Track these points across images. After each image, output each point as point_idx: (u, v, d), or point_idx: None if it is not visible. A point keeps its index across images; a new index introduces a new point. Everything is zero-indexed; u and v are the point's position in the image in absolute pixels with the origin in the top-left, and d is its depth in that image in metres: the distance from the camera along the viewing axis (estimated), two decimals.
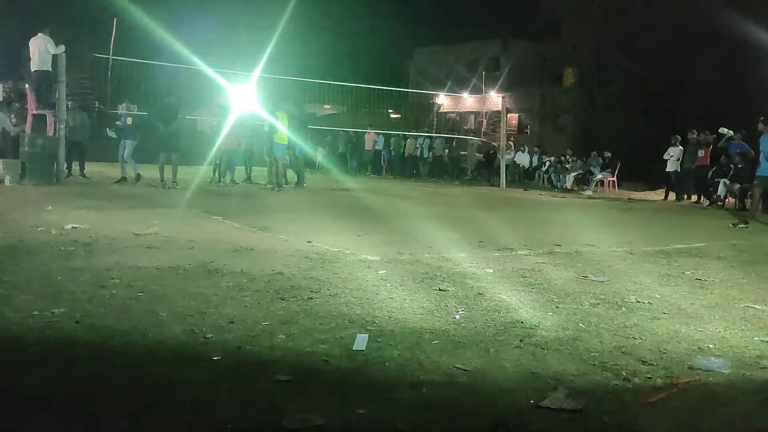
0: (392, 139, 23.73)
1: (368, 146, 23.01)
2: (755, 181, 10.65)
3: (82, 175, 13.46)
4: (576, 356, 3.30)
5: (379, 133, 23.64)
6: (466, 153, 24.52)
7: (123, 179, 12.89)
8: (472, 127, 33.42)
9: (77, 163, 13.81)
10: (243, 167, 15.05)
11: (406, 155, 23.90)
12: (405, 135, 24.25)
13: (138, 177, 12.95)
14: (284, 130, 13.15)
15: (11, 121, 13.41)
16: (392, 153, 23.92)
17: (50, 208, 8.08)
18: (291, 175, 15.09)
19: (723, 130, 15.16)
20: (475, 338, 3.53)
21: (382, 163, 24.47)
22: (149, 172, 13.26)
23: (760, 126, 10.29)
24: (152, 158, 12.99)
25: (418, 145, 23.90)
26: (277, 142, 13.30)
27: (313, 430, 2.34)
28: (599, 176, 19.65)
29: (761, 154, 10.23)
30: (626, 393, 2.85)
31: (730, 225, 10.11)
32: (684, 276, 5.66)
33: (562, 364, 3.16)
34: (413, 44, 40.65)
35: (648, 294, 4.83)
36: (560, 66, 33.29)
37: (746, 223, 10.16)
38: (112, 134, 13.84)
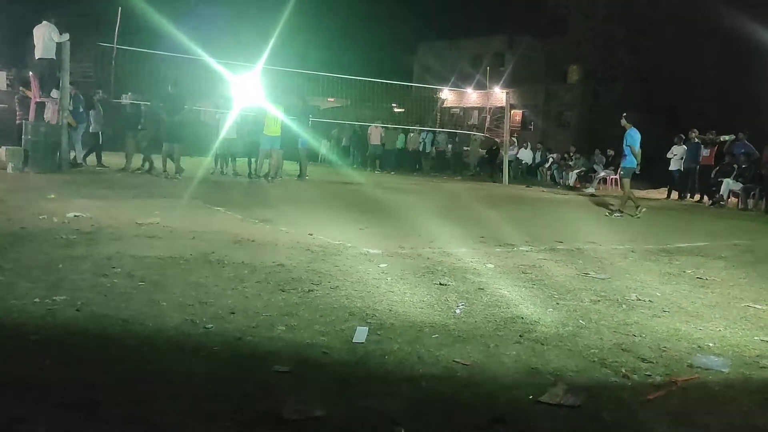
0: (385, 132, 23.23)
1: (374, 140, 22.59)
2: (622, 172, 11.33)
3: (73, 160, 13.37)
4: (576, 352, 3.31)
5: (386, 128, 23.27)
6: (469, 148, 24.45)
7: (80, 165, 12.98)
8: (476, 123, 33.35)
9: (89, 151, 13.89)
10: (246, 159, 15.00)
11: (410, 150, 23.73)
12: (404, 129, 24.07)
13: (74, 163, 12.90)
14: (277, 120, 13.25)
15: (16, 109, 13.40)
16: (384, 146, 23.29)
17: (52, 196, 8.09)
18: (294, 167, 15.09)
19: (724, 137, 15.42)
20: (475, 333, 3.53)
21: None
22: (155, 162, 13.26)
23: (623, 122, 10.90)
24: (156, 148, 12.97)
25: (421, 140, 23.80)
26: (265, 135, 13.30)
27: (312, 421, 2.34)
28: (602, 174, 19.61)
29: (627, 148, 10.90)
30: (625, 390, 2.85)
31: (606, 214, 10.76)
32: (685, 275, 5.65)
33: (561, 360, 3.17)
34: (418, 39, 40.54)
35: (649, 292, 4.83)
36: (565, 62, 33.19)
37: (621, 212, 10.74)
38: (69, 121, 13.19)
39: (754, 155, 14.87)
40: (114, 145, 14.98)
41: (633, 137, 10.82)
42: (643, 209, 10.88)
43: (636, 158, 10.89)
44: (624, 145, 10.99)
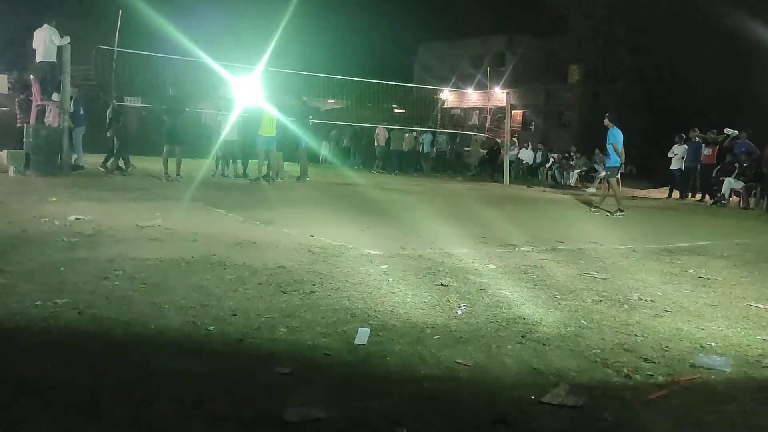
0: (391, 132, 23.13)
1: (382, 141, 22.42)
2: (608, 171, 11.56)
3: (75, 163, 13.37)
4: (577, 353, 3.30)
5: (392, 129, 23.11)
6: (470, 149, 24.46)
7: (80, 167, 12.94)
8: (476, 123, 33.36)
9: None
10: (243, 160, 14.99)
11: (406, 150, 23.67)
12: (409, 130, 24.05)
13: (77, 166, 12.88)
14: (272, 122, 13.26)
15: (17, 113, 13.41)
16: (390, 147, 23.15)
17: (54, 199, 8.10)
18: (295, 169, 15.07)
19: (728, 130, 15.37)
20: (476, 334, 3.53)
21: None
22: (154, 165, 13.28)
23: (606, 122, 11.09)
24: (157, 150, 12.98)
25: (420, 141, 23.77)
26: (261, 135, 13.27)
27: (314, 423, 2.34)
28: (603, 173, 19.60)
29: (610, 147, 11.06)
30: (627, 390, 2.85)
31: (607, 214, 10.84)
32: (687, 274, 5.65)
33: (563, 361, 3.16)
34: (418, 39, 40.56)
35: (650, 292, 4.82)
36: (565, 62, 33.21)
37: (621, 210, 10.82)
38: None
39: (755, 153, 14.87)
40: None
41: (616, 136, 10.94)
42: (596, 211, 11.21)
43: (620, 157, 11.00)
44: (607, 144, 11.15)
